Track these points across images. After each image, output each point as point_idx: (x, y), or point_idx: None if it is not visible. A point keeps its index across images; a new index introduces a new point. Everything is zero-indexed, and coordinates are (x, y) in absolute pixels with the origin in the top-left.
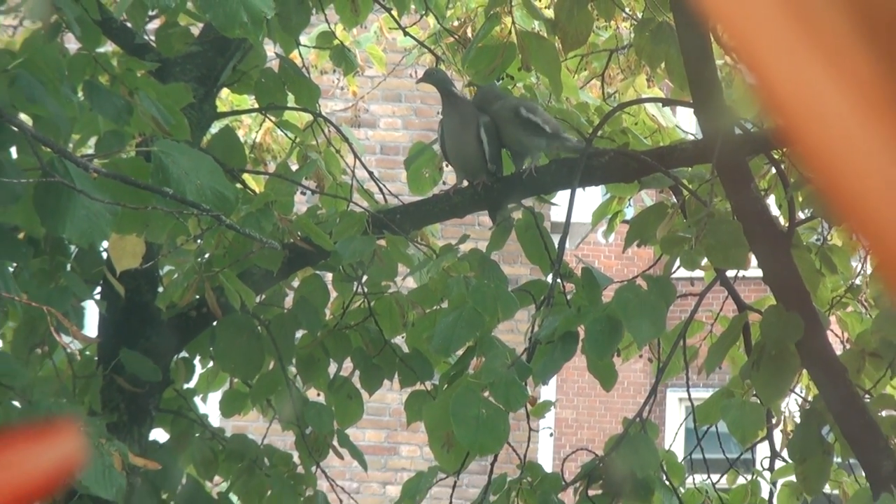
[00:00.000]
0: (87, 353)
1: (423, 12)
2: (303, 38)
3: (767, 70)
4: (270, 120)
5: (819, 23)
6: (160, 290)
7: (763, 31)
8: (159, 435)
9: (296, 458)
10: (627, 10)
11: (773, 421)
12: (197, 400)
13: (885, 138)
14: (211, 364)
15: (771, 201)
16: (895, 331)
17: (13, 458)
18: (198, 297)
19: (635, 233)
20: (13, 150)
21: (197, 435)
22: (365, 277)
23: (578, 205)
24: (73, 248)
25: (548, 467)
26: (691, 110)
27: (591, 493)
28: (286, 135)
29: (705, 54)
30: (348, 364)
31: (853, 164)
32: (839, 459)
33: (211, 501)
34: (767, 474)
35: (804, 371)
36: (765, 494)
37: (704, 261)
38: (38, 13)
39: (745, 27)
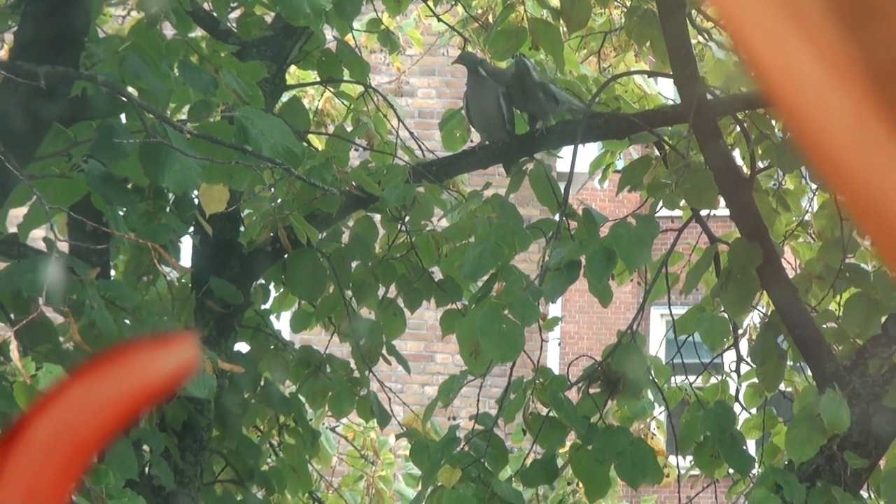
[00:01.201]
0: (183, 280)
1: (454, 2)
2: (355, 24)
3: (753, 44)
4: (329, 91)
5: (797, 2)
6: (241, 229)
7: (749, 10)
8: (242, 346)
9: (352, 365)
10: None
11: (739, 332)
12: (272, 318)
13: (851, 101)
14: (283, 289)
15: (736, 154)
16: (836, 258)
17: (140, 363)
18: (272, 234)
19: (626, 180)
20: (123, 117)
21: (272, 347)
22: (407, 218)
23: (579, 158)
24: (170, 195)
25: (556, 371)
26: (671, 81)
27: (591, 391)
28: (342, 102)
29: (682, 35)
30: (394, 288)
31: (824, 122)
32: (792, 362)
33: (283, 400)
34: (735, 375)
35: (763, 291)
36: (732, 391)
37: (682, 202)
38: (146, 5)
39: (734, 7)
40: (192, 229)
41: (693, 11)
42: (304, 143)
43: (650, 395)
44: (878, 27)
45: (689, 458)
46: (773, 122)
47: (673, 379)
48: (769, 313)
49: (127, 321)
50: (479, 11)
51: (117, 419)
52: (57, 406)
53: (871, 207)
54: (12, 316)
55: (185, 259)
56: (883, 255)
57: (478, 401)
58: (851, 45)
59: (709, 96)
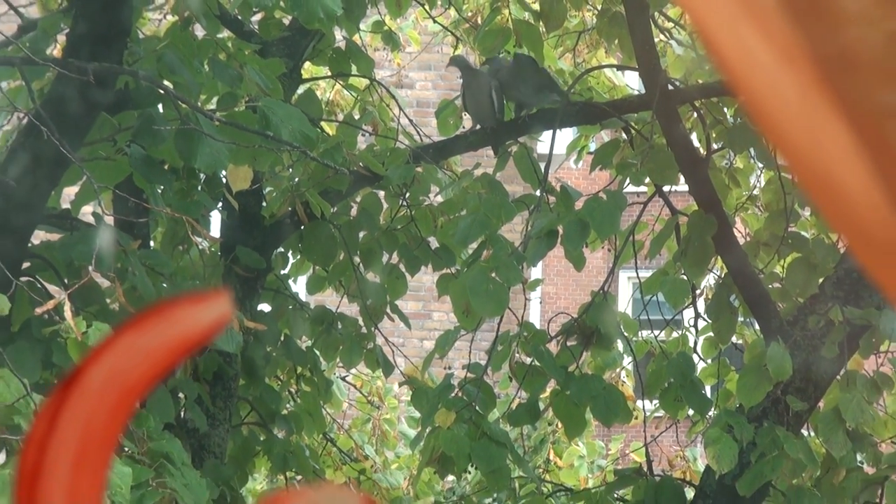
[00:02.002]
0: (213, 249)
1: (447, 6)
2: (361, 25)
3: (713, 35)
4: (339, 84)
5: None
6: (264, 203)
7: (709, 3)
8: (264, 307)
9: (360, 322)
10: (590, 2)
11: (696, 292)
12: (290, 282)
13: (800, 86)
14: (299, 256)
15: (693, 137)
16: (780, 227)
17: (180, 317)
18: (290, 208)
19: (597, 160)
20: (160, 107)
21: (290, 307)
22: (407, 194)
23: (557, 141)
24: (202, 174)
25: (537, 326)
26: (637, 73)
27: (568, 343)
28: (351, 94)
29: (646, 34)
30: (396, 255)
31: (777, 105)
32: (742, 318)
33: (300, 353)
34: (693, 330)
35: (718, 256)
36: (691, 344)
37: (647, 179)
38: (180, 9)
39: (696, 1)
40: (220, 204)
41: (655, 13)
42: (318, 129)
43: (620, 347)
44: (822, 18)
45: (655, 402)
46: (726, 110)
47: (640, 333)
48: (723, 276)
49: (164, 285)
50: (470, 14)
51: (159, 368)
52: (107, 356)
53: (817, 179)
54: (66, 280)
55: (215, 230)
56: (827, 221)
57: (469, 352)
58: (800, 34)
59: (670, 87)
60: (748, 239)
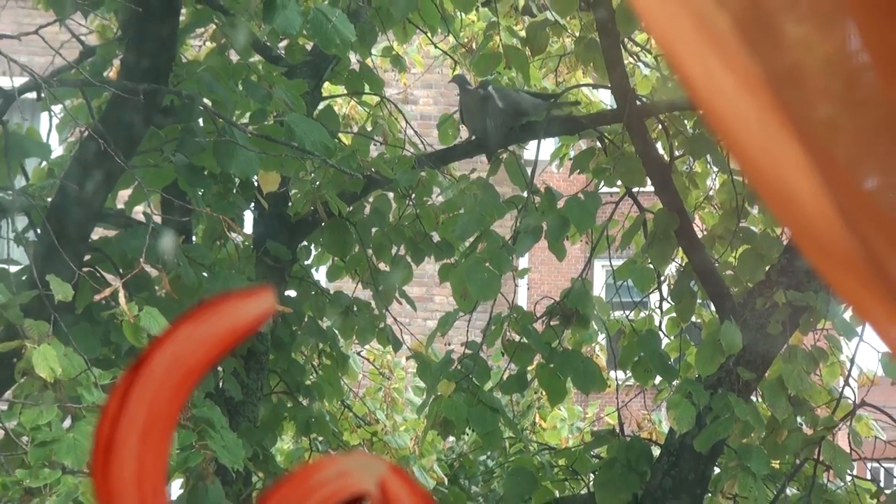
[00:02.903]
0: (246, 243)
1: (446, 33)
2: (373, 50)
3: (679, 59)
4: (354, 100)
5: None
6: (290, 203)
7: (675, 31)
8: (290, 292)
9: (372, 305)
10: (569, 30)
11: (661, 278)
12: (312, 271)
13: (754, 103)
14: (320, 249)
15: (658, 145)
16: (733, 223)
17: (233, 309)
18: (312, 208)
19: (576, 165)
20: (200, 121)
21: (312, 292)
22: (413, 195)
23: (542, 149)
24: (236, 179)
25: (525, 308)
26: (609, 91)
27: (552, 323)
28: (364, 109)
29: (617, 57)
30: (403, 248)
31: (734, 119)
32: (700, 301)
33: (322, 331)
34: (658, 311)
35: (679, 248)
36: (657, 323)
37: (618, 182)
38: (217, 37)
39: (664, 29)
40: (252, 205)
41: (625, 39)
42: (336, 140)
43: (595, 326)
44: (771, 43)
45: (626, 373)
46: (686, 122)
47: (612, 314)
48: (683, 265)
49: (204, 274)
50: (466, 40)
51: (214, 354)
52: (169, 344)
53: (773, 188)
54: (121, 271)
55: (248, 227)
56: (780, 222)
57: (467, 331)
58: (753, 58)
59: (638, 103)
60: (705, 233)
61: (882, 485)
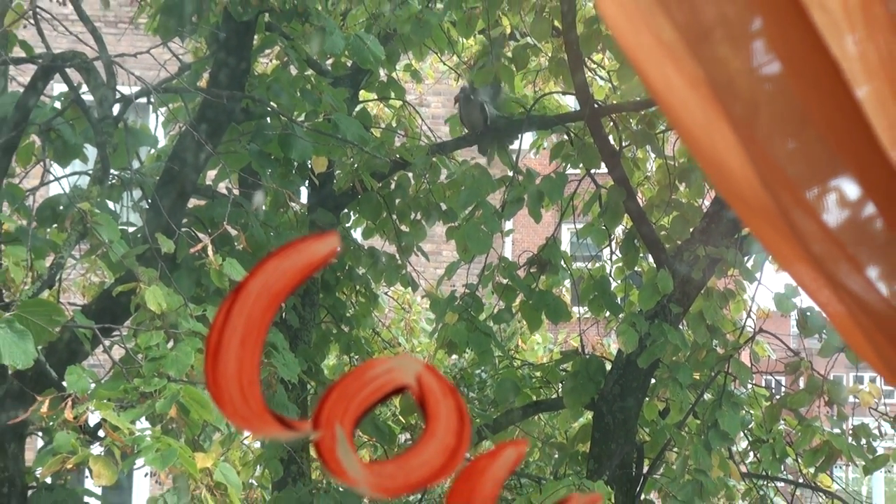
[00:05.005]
0: (302, 210)
1: (451, 53)
2: (396, 66)
3: (640, 65)
4: (382, 104)
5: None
6: (335, 181)
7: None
8: None
9: (396, 256)
10: (544, 52)
11: (612, 237)
12: (351, 231)
13: (700, 101)
14: (357, 214)
15: (610, 137)
16: (666, 196)
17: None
18: (351, 184)
19: (554, 153)
20: (269, 119)
21: (351, 248)
22: (427, 175)
23: (524, 140)
24: (295, 162)
25: (510, 259)
26: (574, 97)
27: (531, 270)
28: (390, 110)
29: (581, 72)
30: (419, 214)
31: (685, 115)
32: (642, 254)
33: (358, 276)
34: (609, 262)
35: (626, 214)
36: (608, 271)
37: (580, 165)
38: (281, 56)
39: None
40: (307, 182)
41: (586, 58)
42: (369, 133)
43: (562, 273)
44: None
45: (586, 308)
46: (632, 120)
47: (575, 264)
48: (629, 227)
49: (272, 234)
50: (466, 58)
51: (293, 282)
52: (260, 274)
53: (713, 164)
54: (209, 230)
55: (303, 198)
56: (711, 180)
57: (467, 276)
58: (696, 62)
59: (595, 105)
60: (645, 203)
61: (773, 391)
